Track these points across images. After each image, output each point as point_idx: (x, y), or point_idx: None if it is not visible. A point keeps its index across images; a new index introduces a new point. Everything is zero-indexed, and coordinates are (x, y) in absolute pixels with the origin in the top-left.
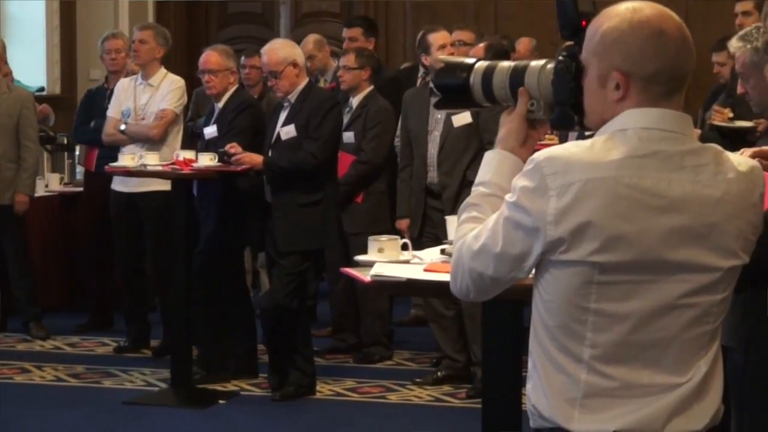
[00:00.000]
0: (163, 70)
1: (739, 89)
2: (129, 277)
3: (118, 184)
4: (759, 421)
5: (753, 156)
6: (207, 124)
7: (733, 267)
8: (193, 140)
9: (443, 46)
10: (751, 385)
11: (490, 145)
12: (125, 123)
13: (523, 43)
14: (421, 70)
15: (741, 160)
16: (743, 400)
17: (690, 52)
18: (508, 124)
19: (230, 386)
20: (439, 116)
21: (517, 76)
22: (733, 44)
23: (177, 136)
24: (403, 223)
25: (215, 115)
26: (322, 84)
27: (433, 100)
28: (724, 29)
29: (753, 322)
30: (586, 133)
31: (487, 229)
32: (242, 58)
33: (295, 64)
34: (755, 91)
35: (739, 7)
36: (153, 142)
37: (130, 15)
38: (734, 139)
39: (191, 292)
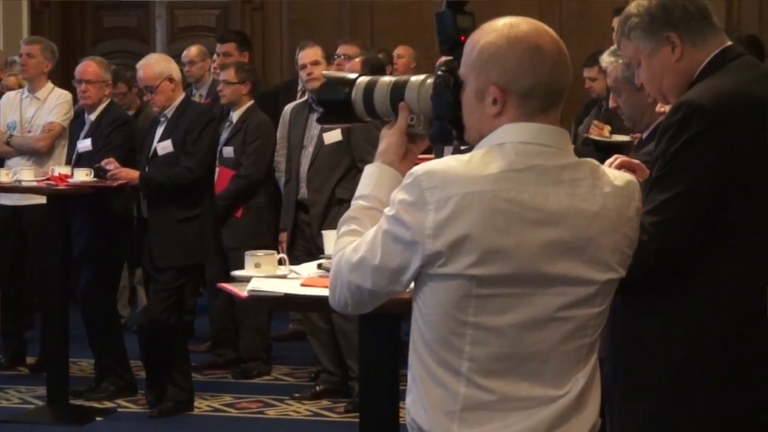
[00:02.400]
0: (50, 84)
1: (611, 103)
2: (6, 294)
3: (3, 198)
4: None
5: (620, 166)
6: (78, 136)
7: (609, 280)
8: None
9: (304, 66)
10: (620, 397)
11: (361, 162)
12: (11, 135)
13: (403, 51)
14: (300, 84)
15: (617, 174)
16: (613, 412)
17: (566, 67)
18: (389, 138)
19: (107, 403)
20: (314, 132)
21: (397, 91)
22: (605, 59)
23: (63, 150)
24: (284, 236)
25: (87, 127)
26: (197, 98)
27: (312, 115)
28: (598, 44)
29: (622, 333)
30: (462, 147)
31: (366, 242)
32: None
33: (171, 79)
34: (627, 106)
35: (616, 21)
36: (39, 154)
37: (4, 29)
38: (610, 153)
39: (68, 308)
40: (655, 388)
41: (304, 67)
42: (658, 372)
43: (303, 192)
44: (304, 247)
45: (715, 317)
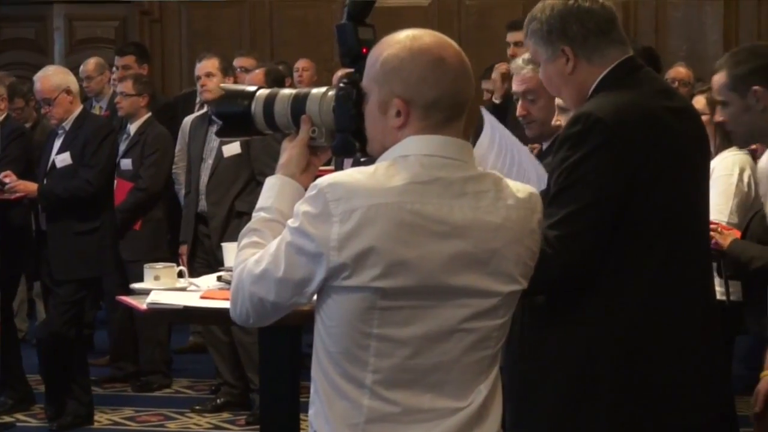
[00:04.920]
0: None
1: (520, 111)
2: None
3: None
4: None
5: None
6: None
7: (512, 292)
8: None
9: (199, 77)
10: (515, 409)
11: (261, 175)
12: None
13: (306, 64)
14: (198, 97)
15: (520, 186)
16: (510, 422)
17: (469, 79)
18: (290, 151)
19: (6, 417)
20: (213, 145)
21: (298, 104)
22: (520, 65)
23: None
24: (184, 248)
25: None
26: (97, 110)
27: (212, 128)
28: (496, 56)
29: (521, 345)
30: (362, 159)
31: (269, 254)
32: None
33: (68, 91)
34: (542, 112)
35: (510, 38)
36: None
37: None
38: None
39: None
40: (549, 402)
41: (199, 78)
42: (552, 386)
43: (202, 204)
44: (204, 260)
45: (607, 331)
